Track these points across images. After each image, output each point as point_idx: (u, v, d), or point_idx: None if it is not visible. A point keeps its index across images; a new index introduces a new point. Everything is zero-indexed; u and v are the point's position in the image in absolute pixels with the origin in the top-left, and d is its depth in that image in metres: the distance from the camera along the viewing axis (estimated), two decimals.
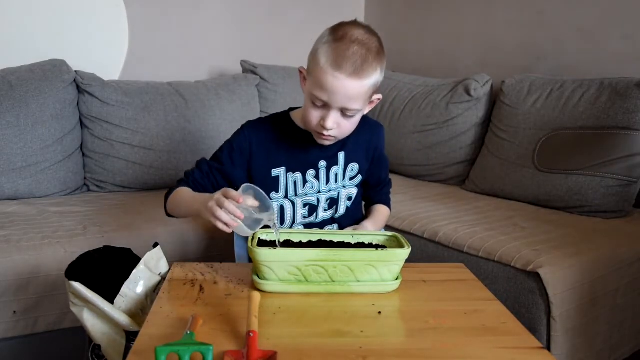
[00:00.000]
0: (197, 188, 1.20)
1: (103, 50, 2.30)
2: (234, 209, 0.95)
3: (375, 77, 1.07)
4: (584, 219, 1.73)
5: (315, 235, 1.07)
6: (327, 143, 1.16)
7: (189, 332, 0.76)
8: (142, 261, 1.07)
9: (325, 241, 1.06)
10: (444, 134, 2.23)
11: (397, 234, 1.06)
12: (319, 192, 1.24)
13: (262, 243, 1.02)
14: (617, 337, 1.49)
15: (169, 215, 1.24)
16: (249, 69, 2.44)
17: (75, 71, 2.04)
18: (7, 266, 1.40)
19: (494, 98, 2.19)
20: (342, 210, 1.27)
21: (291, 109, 1.27)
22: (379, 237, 1.08)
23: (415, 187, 2.17)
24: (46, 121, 1.92)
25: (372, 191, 1.35)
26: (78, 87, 2.03)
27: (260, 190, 0.99)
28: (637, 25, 1.96)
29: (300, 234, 1.07)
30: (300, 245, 1.05)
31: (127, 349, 1.03)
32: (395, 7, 2.86)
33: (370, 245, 1.06)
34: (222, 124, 2.20)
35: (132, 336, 1.02)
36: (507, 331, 0.86)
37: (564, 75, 2.05)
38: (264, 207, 0.98)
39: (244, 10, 2.62)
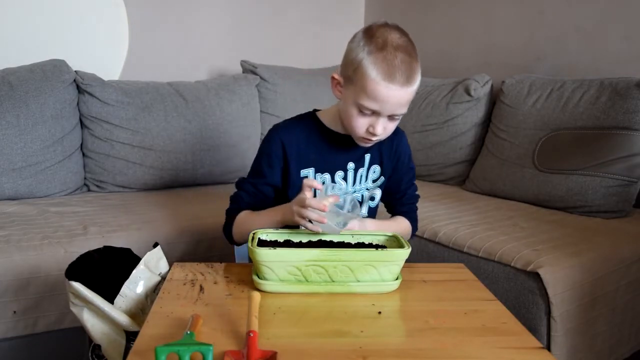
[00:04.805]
0: (251, 209, 1.22)
1: (103, 50, 2.30)
2: (317, 203, 1.00)
3: (419, 79, 1.09)
4: (584, 219, 1.73)
5: (315, 235, 1.07)
6: (370, 145, 1.17)
7: (189, 332, 0.76)
8: (142, 261, 1.07)
9: (325, 241, 1.06)
10: (444, 134, 2.23)
11: (397, 234, 1.06)
12: (346, 193, 1.24)
13: (262, 243, 1.02)
14: (616, 337, 1.49)
15: (237, 244, 1.27)
16: (249, 69, 2.44)
17: (75, 71, 2.04)
18: (7, 266, 1.40)
19: (494, 98, 2.19)
20: (364, 210, 1.27)
21: (316, 110, 1.27)
22: (379, 237, 1.08)
23: None
24: (46, 121, 1.92)
25: (394, 199, 1.33)
26: (78, 87, 2.03)
27: (340, 187, 1.07)
28: (637, 25, 1.96)
29: (300, 234, 1.07)
30: (300, 245, 1.05)
31: (127, 349, 1.03)
32: (395, 7, 2.85)
33: (370, 245, 1.06)
34: (222, 124, 2.20)
35: (132, 336, 1.02)
36: (507, 331, 0.86)
37: (564, 75, 2.05)
38: (349, 205, 1.06)
39: (244, 10, 2.62)
